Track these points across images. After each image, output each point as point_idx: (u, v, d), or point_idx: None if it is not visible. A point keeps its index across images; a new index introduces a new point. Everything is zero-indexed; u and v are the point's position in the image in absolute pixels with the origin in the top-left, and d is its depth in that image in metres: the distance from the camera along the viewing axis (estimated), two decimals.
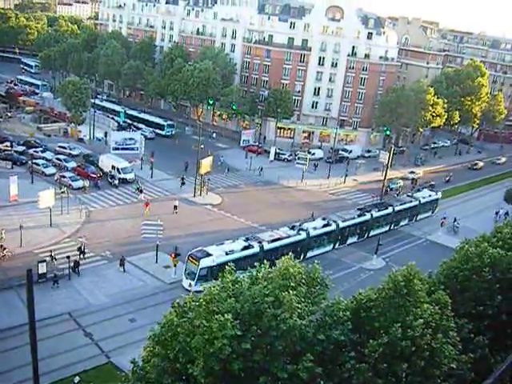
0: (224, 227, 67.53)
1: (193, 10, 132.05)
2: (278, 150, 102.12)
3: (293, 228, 60.93)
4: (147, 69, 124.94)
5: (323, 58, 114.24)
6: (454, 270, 30.22)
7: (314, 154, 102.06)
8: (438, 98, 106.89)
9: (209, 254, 51.61)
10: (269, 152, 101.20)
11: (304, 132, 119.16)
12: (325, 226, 63.52)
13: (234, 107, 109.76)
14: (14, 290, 46.34)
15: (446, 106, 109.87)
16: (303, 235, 59.78)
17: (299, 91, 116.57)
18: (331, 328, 24.04)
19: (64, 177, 75.31)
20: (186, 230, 65.22)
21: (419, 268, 26.15)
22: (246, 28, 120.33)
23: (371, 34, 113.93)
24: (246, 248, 53.83)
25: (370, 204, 76.86)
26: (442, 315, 25.02)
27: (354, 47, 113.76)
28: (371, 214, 69.37)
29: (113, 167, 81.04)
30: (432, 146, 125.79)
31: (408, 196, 79.88)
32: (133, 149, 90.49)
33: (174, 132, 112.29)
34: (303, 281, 25.35)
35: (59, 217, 63.84)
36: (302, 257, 59.25)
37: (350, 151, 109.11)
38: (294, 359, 22.80)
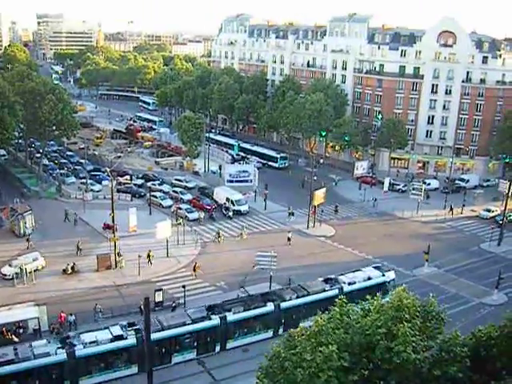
0: (337, 259, 66.69)
1: (302, 43, 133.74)
2: (392, 181, 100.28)
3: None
4: (259, 102, 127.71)
5: (436, 86, 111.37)
6: None
7: (429, 184, 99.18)
8: None
9: None
10: (382, 183, 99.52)
11: (418, 162, 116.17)
12: None
13: (346, 138, 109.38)
14: (131, 317, 48.04)
15: None
16: None
17: (413, 120, 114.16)
18: (448, 364, 22.95)
19: (180, 208, 78.00)
20: (299, 262, 65.10)
21: None
22: (357, 58, 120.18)
23: (486, 57, 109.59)
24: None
25: (234, 299, 50.53)
26: None
27: (468, 72, 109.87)
28: (221, 318, 45.63)
29: (227, 199, 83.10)
30: None
31: (324, 281, 53.00)
32: (247, 181, 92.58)
33: (287, 164, 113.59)
34: (417, 314, 24.46)
35: (175, 247, 66.18)
36: None
37: (467, 181, 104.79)
38: None
